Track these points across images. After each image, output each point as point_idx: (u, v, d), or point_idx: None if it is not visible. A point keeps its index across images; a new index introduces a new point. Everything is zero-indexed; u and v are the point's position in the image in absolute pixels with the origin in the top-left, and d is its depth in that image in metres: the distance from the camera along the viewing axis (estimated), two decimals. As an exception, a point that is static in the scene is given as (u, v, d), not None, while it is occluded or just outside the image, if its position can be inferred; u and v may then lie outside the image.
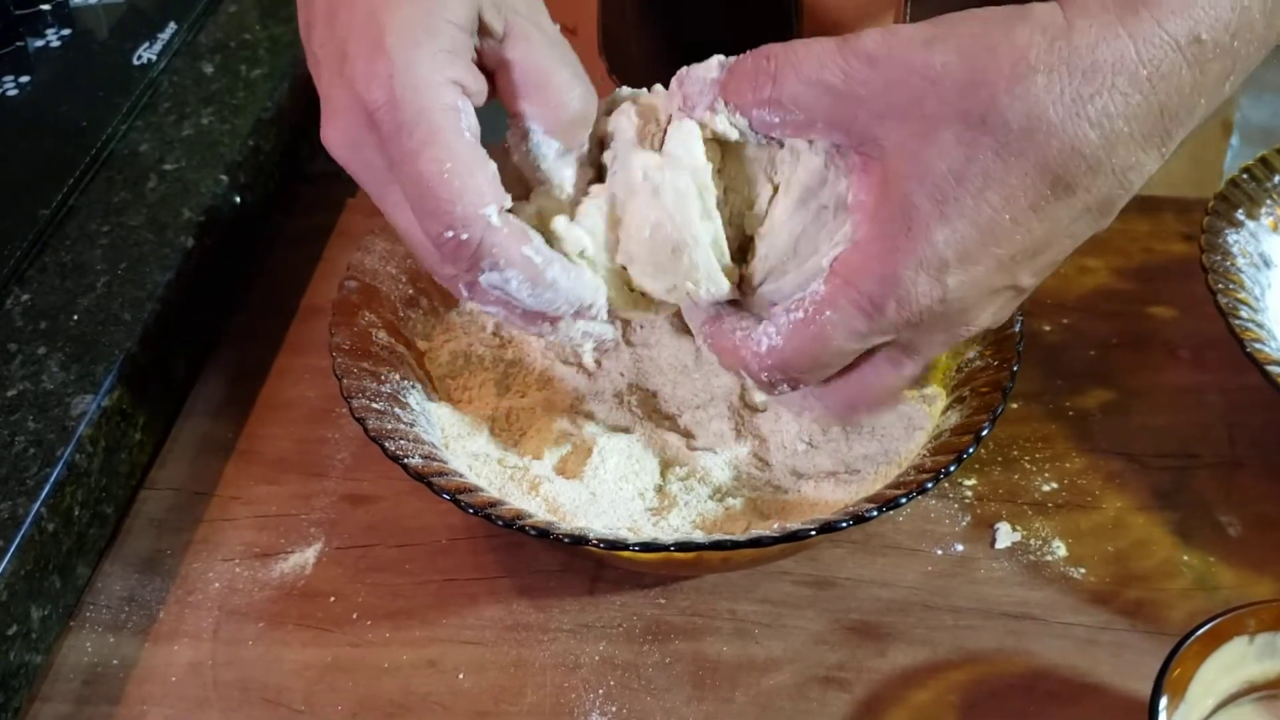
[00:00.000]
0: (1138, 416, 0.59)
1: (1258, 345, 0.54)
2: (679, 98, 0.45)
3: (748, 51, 0.44)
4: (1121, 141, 0.42)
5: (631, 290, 0.48)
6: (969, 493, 0.56)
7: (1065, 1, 0.41)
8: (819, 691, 0.49)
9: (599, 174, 0.49)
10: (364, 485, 0.57)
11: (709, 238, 0.45)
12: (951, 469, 0.47)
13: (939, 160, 0.41)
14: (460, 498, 0.46)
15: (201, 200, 0.65)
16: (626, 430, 0.55)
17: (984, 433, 0.48)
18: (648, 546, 0.45)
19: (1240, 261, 0.58)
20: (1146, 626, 0.51)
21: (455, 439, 0.53)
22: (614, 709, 0.49)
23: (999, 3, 0.41)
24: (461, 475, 0.50)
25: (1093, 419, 0.59)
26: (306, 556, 0.55)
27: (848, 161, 0.43)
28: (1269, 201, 0.62)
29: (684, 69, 0.46)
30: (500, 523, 0.46)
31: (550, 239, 0.47)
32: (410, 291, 0.58)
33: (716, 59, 0.45)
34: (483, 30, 0.46)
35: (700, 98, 0.45)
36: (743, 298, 0.47)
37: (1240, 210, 0.61)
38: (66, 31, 0.76)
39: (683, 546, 0.45)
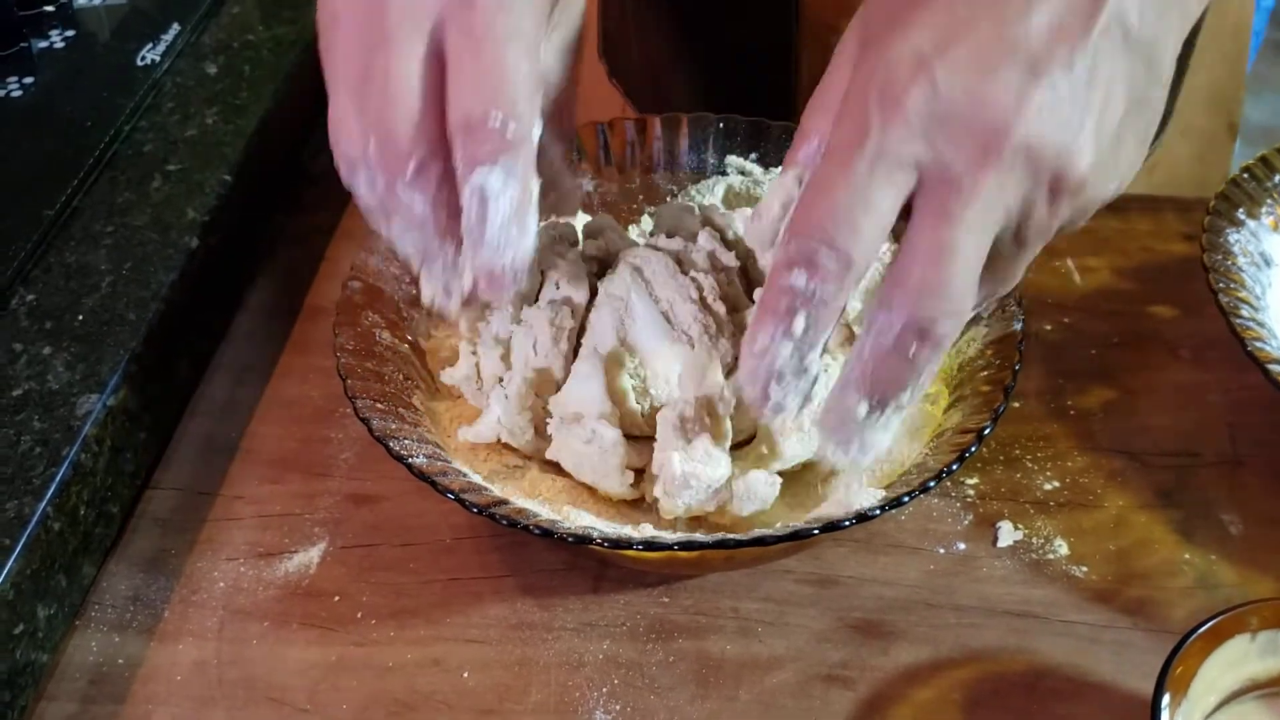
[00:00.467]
0: (1139, 415, 0.60)
1: (1259, 344, 0.54)
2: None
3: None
4: None
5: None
6: (971, 491, 0.56)
7: None
8: (822, 689, 0.49)
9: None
10: (368, 485, 0.58)
11: None
12: (954, 467, 0.47)
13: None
14: (465, 497, 0.46)
15: (205, 200, 0.65)
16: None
17: (986, 431, 0.48)
18: (651, 545, 0.45)
19: (1241, 260, 0.59)
20: (1148, 625, 0.51)
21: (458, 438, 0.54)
22: (618, 707, 0.49)
23: None
24: (465, 474, 0.50)
25: (1094, 418, 0.59)
26: (311, 556, 0.55)
27: None
28: (1269, 201, 0.62)
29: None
30: (504, 522, 0.46)
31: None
32: (414, 291, 0.58)
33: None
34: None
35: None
36: None
37: (1241, 209, 0.61)
38: (70, 33, 0.76)
39: (686, 545, 0.45)
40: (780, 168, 0.46)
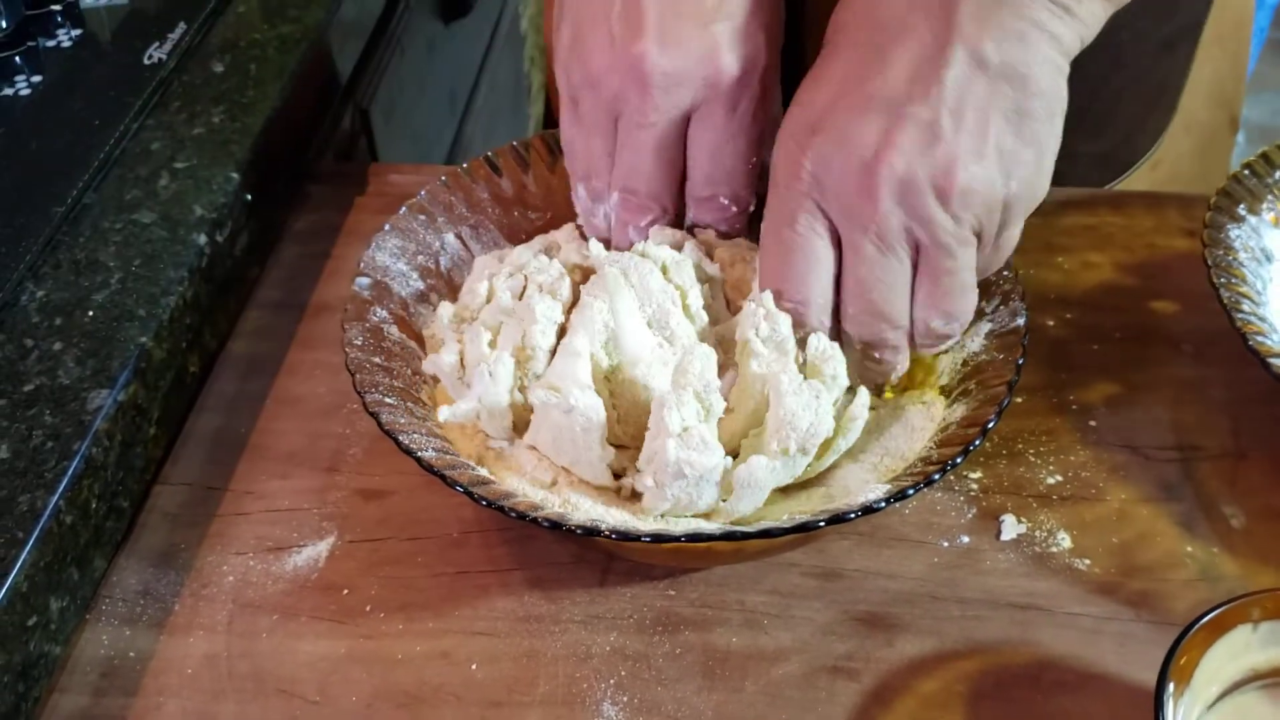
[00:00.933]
0: (1141, 410, 0.60)
1: (1260, 339, 0.54)
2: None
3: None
4: None
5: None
6: (974, 485, 0.57)
7: None
8: (827, 681, 0.50)
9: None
10: (375, 480, 0.58)
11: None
12: (958, 461, 0.47)
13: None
14: (474, 490, 0.47)
15: (213, 197, 0.65)
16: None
17: (990, 425, 0.48)
18: (659, 537, 0.45)
19: (1242, 256, 0.59)
20: (1151, 617, 0.51)
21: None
22: (625, 699, 0.49)
23: None
24: (474, 468, 0.50)
25: (1097, 412, 0.60)
26: (319, 550, 0.55)
27: None
28: (1270, 197, 0.62)
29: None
30: (514, 514, 0.46)
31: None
32: (421, 287, 0.59)
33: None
34: None
35: None
36: None
37: (1242, 205, 0.61)
38: (77, 32, 0.77)
39: (693, 537, 0.45)
40: None
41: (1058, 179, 0.51)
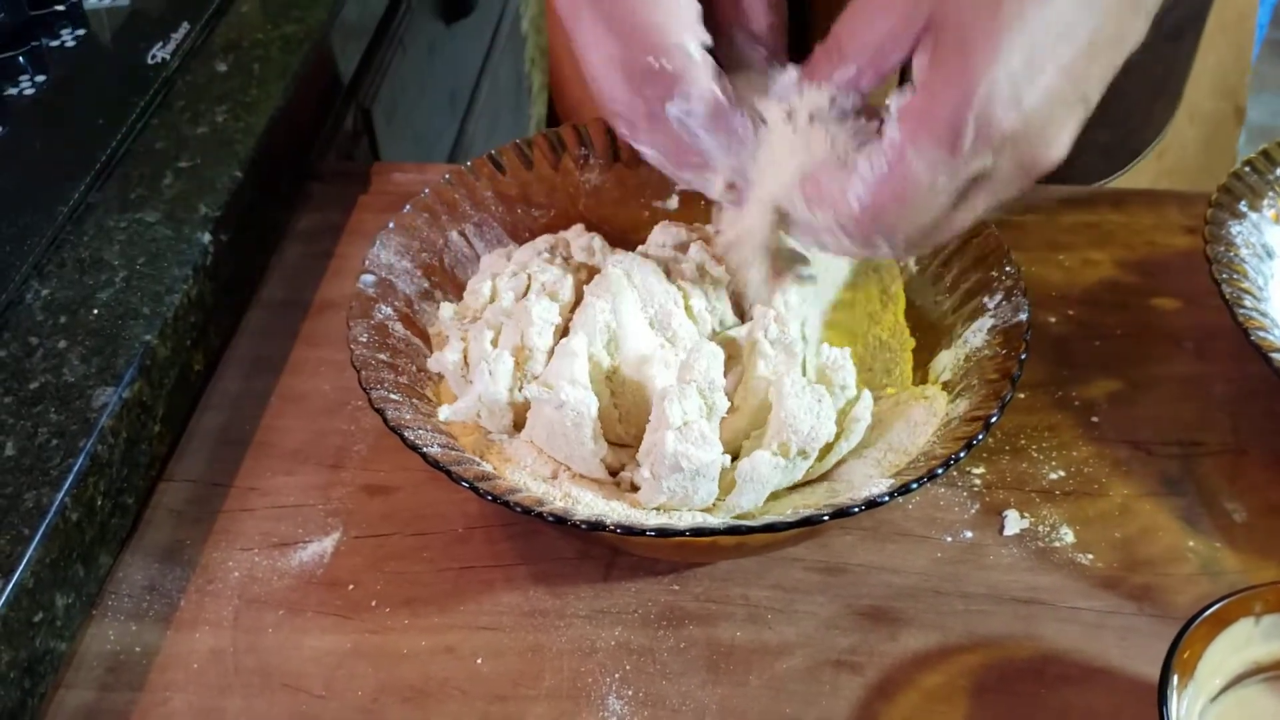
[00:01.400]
0: (1143, 406, 0.60)
1: (1261, 334, 0.54)
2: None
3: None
4: None
5: None
6: (977, 481, 0.57)
7: None
8: (831, 675, 0.50)
9: None
10: (381, 476, 0.58)
11: None
12: (961, 455, 0.47)
13: None
14: (479, 485, 0.47)
15: (217, 196, 0.66)
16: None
17: (993, 420, 0.48)
18: (664, 531, 0.46)
19: (1244, 252, 0.59)
20: (1153, 611, 0.52)
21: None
22: (630, 692, 0.49)
23: None
24: (478, 463, 0.51)
25: (1099, 408, 0.60)
26: (325, 546, 0.55)
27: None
28: (1271, 193, 0.62)
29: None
30: (519, 509, 0.46)
31: None
32: (425, 285, 0.59)
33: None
34: None
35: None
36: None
37: (1243, 202, 0.62)
38: (81, 31, 0.77)
39: (698, 531, 0.46)
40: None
41: (1063, 171, 0.50)
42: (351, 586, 0.54)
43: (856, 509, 0.46)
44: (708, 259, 0.57)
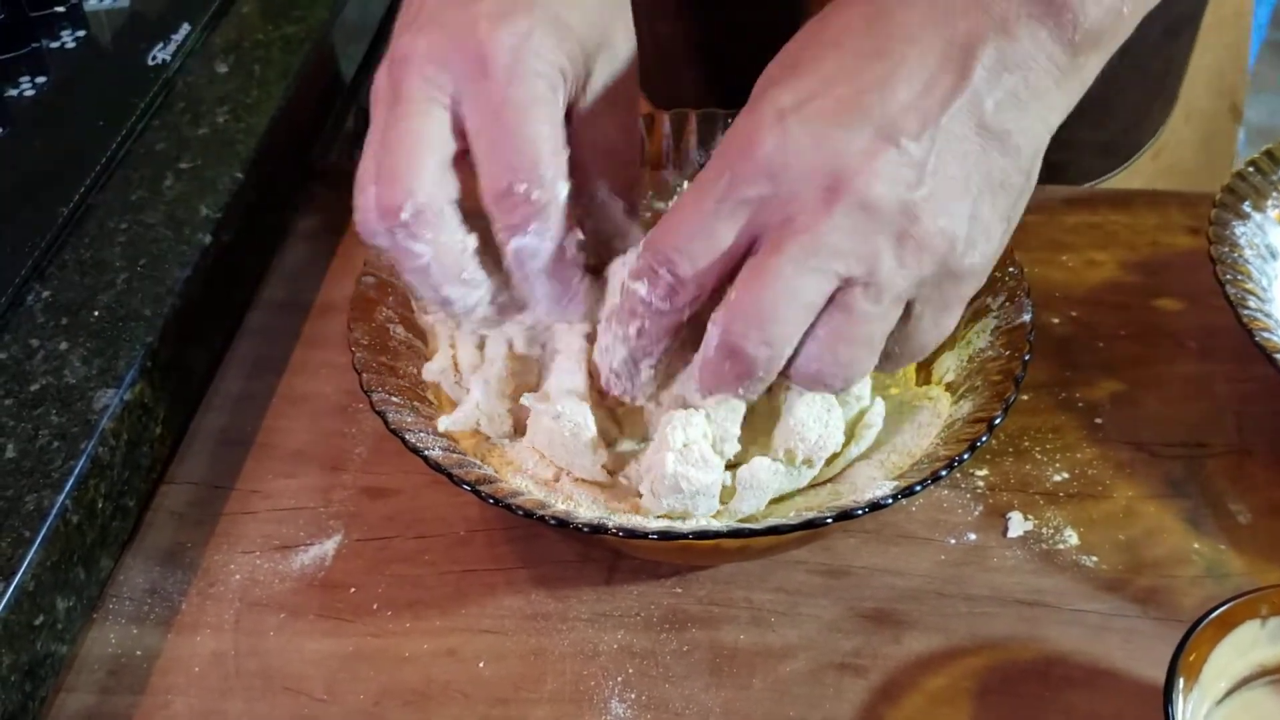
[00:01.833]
0: (1147, 407, 0.60)
1: (1266, 335, 0.54)
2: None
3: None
4: None
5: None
6: (981, 483, 0.57)
7: None
8: (835, 678, 0.50)
9: None
10: (382, 478, 0.58)
11: None
12: (966, 457, 0.47)
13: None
14: (481, 488, 0.47)
15: (218, 197, 0.65)
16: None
17: (997, 421, 0.48)
18: (666, 534, 0.45)
19: (1248, 253, 0.59)
20: (1158, 613, 0.51)
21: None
22: (633, 696, 0.49)
23: None
24: (480, 466, 0.50)
25: (1102, 410, 0.60)
26: (326, 548, 0.55)
27: None
28: (1275, 194, 0.62)
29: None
30: (521, 513, 0.46)
31: None
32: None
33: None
34: (587, 77, 0.49)
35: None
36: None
37: (1247, 203, 0.61)
38: (81, 33, 0.77)
39: (701, 535, 0.45)
40: None
41: (1060, 170, 0.50)
42: (353, 589, 0.53)
43: (860, 511, 0.46)
44: None
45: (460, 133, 0.47)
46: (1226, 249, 0.59)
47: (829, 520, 0.45)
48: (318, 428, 0.61)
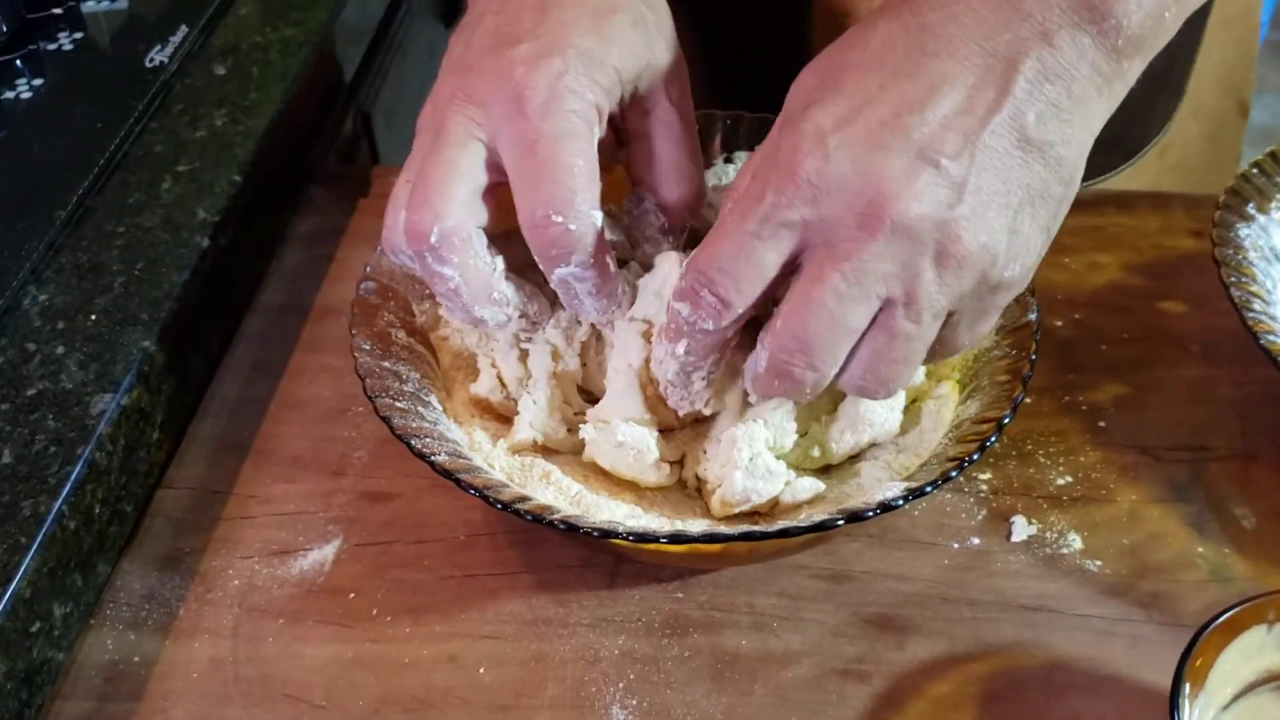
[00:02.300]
0: (1151, 410, 0.60)
1: (1270, 338, 0.54)
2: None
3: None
4: None
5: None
6: (984, 487, 0.56)
7: None
8: (838, 683, 0.49)
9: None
10: (381, 483, 0.58)
11: None
12: (975, 457, 0.47)
13: (792, 97, 0.45)
14: (487, 493, 0.46)
15: (216, 201, 0.65)
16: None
17: (1006, 420, 0.48)
18: (676, 538, 0.45)
19: (1252, 255, 0.59)
20: (1162, 618, 0.51)
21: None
22: (634, 702, 0.49)
23: None
24: (485, 471, 0.50)
25: (1106, 413, 0.60)
26: (325, 553, 0.55)
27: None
28: (1279, 196, 0.62)
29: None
30: (528, 517, 0.46)
31: None
32: (427, 289, 0.58)
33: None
34: (634, 100, 0.51)
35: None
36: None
37: (1251, 204, 0.61)
38: (78, 35, 0.77)
39: (710, 538, 0.45)
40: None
41: None
42: (352, 595, 0.53)
43: (871, 513, 0.45)
44: None
45: (495, 167, 0.49)
46: (1231, 251, 0.58)
47: (840, 522, 0.45)
48: (317, 432, 0.60)
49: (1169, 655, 0.43)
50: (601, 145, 0.49)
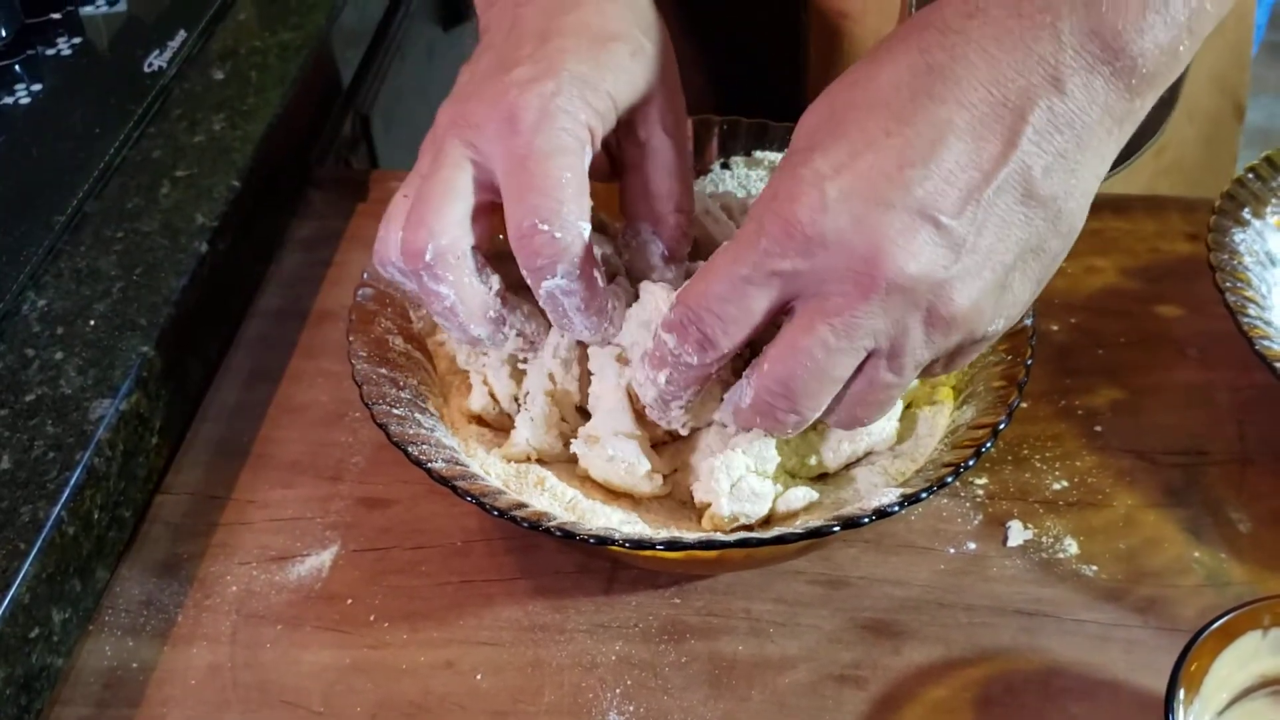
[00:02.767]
0: (1147, 415, 0.60)
1: (1265, 342, 0.54)
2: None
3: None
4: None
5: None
6: (980, 491, 0.57)
7: None
8: (835, 689, 0.49)
9: None
10: (379, 489, 0.58)
11: None
12: (972, 462, 0.47)
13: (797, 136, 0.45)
14: (484, 500, 0.47)
15: (214, 206, 0.65)
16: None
17: (1002, 425, 0.48)
18: (672, 545, 0.45)
19: (1247, 260, 0.59)
20: (1158, 623, 0.51)
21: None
22: (631, 708, 0.49)
23: None
24: (483, 478, 0.50)
25: (1102, 417, 0.60)
26: (323, 559, 0.55)
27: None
28: (1274, 200, 0.62)
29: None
30: (525, 524, 0.46)
31: None
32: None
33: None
34: (629, 130, 0.52)
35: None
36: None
37: (1246, 209, 0.61)
38: (77, 40, 0.77)
39: (706, 545, 0.45)
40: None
41: None
42: (350, 601, 0.53)
43: (867, 519, 0.45)
44: None
45: (490, 186, 0.49)
46: (1226, 256, 0.59)
47: (836, 529, 0.45)
48: (315, 437, 0.60)
49: (1165, 660, 0.43)
50: (596, 169, 0.50)
